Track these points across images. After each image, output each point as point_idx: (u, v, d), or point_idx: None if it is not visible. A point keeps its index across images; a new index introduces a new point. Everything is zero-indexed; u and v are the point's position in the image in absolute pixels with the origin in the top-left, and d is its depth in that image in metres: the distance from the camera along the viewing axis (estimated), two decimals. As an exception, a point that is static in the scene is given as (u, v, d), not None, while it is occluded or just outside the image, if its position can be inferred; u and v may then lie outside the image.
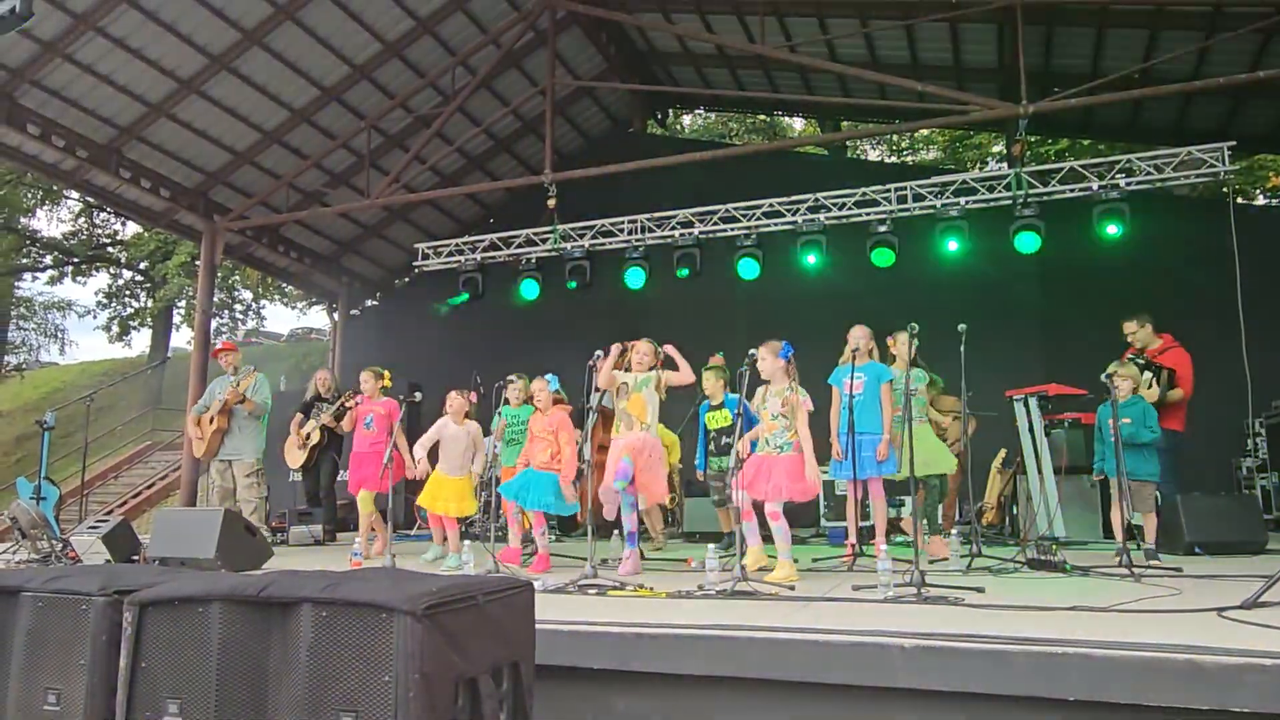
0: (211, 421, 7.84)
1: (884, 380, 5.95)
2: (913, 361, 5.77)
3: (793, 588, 4.51)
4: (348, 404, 8.41)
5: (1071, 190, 9.03)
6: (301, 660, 2.13)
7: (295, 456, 8.73)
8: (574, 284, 10.66)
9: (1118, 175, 8.87)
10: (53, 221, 26.45)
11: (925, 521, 6.17)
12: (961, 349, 5.96)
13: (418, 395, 7.20)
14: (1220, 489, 8.58)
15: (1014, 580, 4.92)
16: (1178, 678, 2.64)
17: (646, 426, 5.70)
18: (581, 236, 10.75)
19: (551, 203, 10.32)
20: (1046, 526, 6.81)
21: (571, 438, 6.02)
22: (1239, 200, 14.52)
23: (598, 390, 5.74)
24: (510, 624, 2.49)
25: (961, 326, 5.91)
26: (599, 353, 5.93)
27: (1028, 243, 8.88)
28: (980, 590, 4.13)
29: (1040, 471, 7.17)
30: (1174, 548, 5.93)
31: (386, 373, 7.47)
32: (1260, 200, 17.43)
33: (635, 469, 5.50)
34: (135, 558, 6.29)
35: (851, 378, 5.83)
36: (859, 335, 6.00)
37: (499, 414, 6.80)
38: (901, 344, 6.17)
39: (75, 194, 21.41)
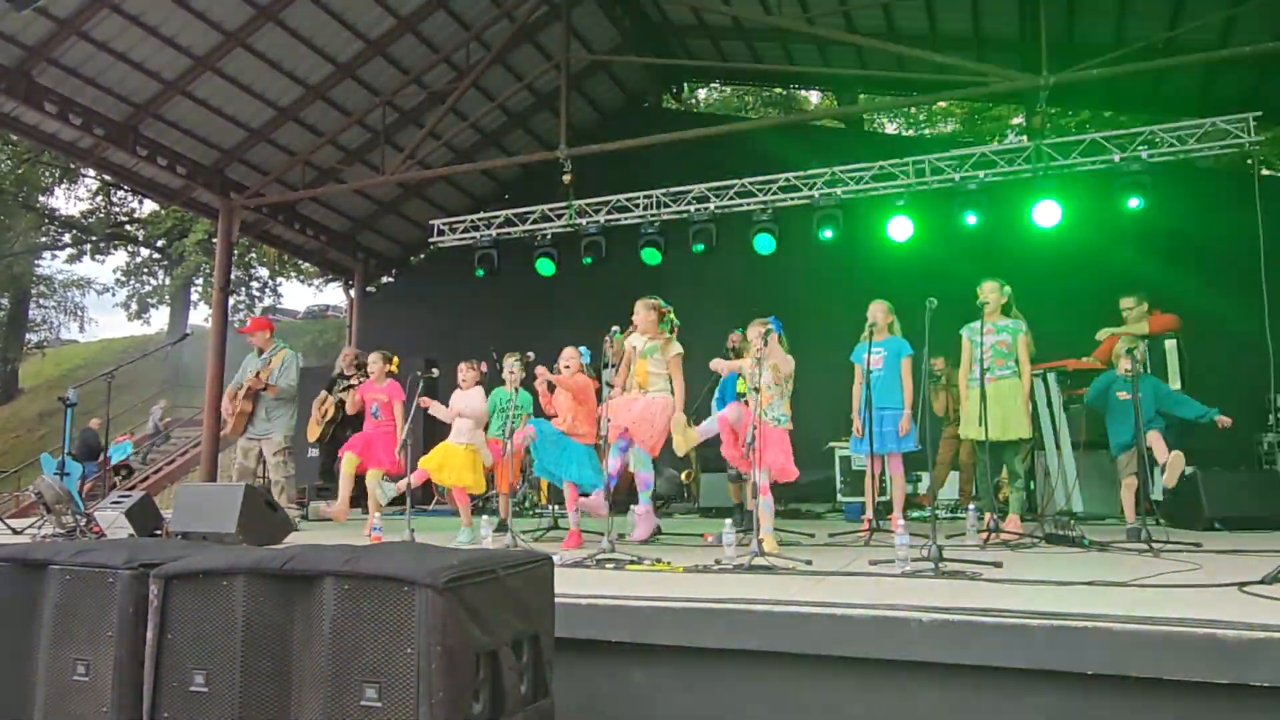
0: (238, 403, 7.75)
1: (904, 355, 5.91)
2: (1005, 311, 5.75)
3: (810, 562, 4.52)
4: (353, 381, 8.38)
5: (1093, 163, 8.91)
6: (324, 633, 2.15)
7: (313, 431, 8.79)
8: (589, 260, 10.65)
9: (1140, 147, 8.74)
10: (71, 199, 26.73)
11: (1003, 496, 5.96)
12: (976, 329, 5.92)
13: (435, 371, 7.21)
14: (1241, 464, 8.52)
15: (1032, 555, 4.91)
16: (1197, 652, 2.63)
17: (645, 391, 5.77)
18: (597, 212, 10.71)
19: (567, 178, 10.28)
20: (1065, 502, 6.78)
21: (592, 409, 6.01)
22: (1264, 171, 14.29)
23: (611, 366, 5.75)
24: (530, 597, 2.51)
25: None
26: (615, 328, 5.93)
27: (1048, 216, 8.80)
28: (998, 565, 4.12)
29: (1059, 447, 7.14)
30: (1194, 523, 5.90)
31: (395, 358, 7.40)
32: (1285, 172, 17.16)
33: (627, 430, 5.59)
34: (158, 532, 6.37)
35: (870, 353, 5.81)
36: (876, 310, 5.96)
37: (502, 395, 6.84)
38: (989, 292, 5.98)
39: (93, 172, 21.51)
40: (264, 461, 7.73)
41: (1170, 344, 6.79)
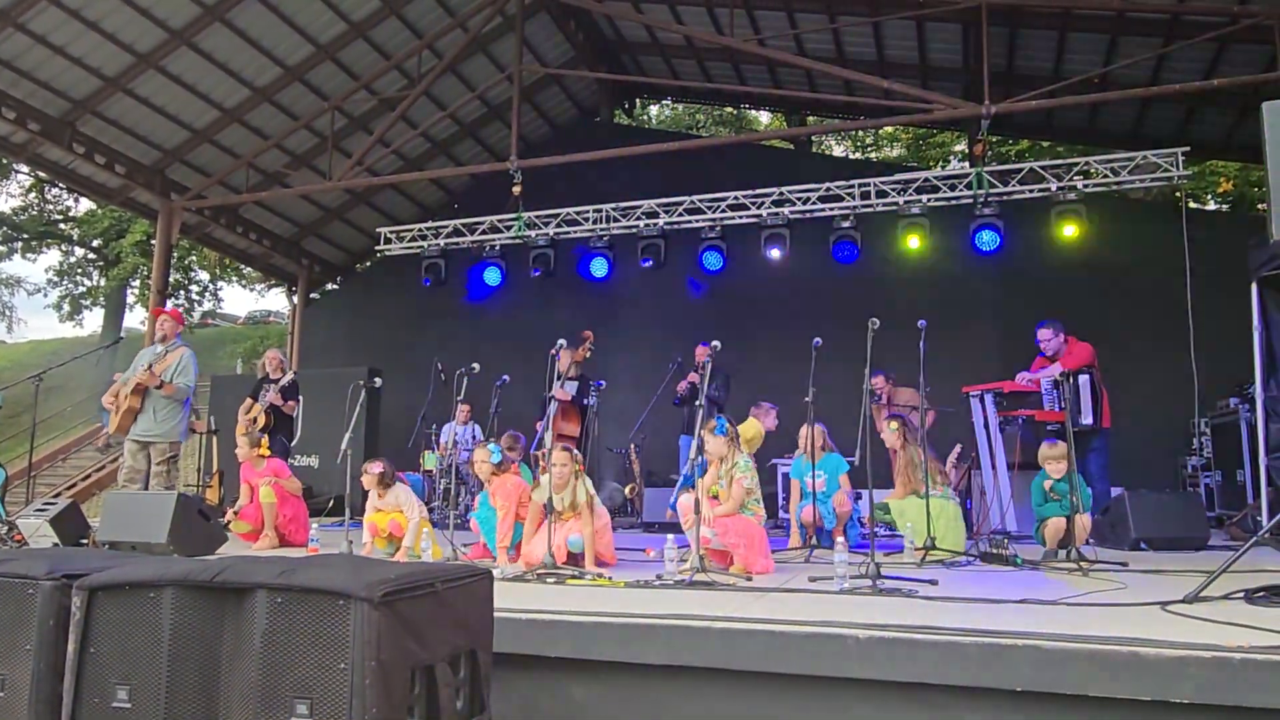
0: (124, 398, 7.18)
1: (841, 471, 6.23)
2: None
3: (750, 578, 4.55)
4: (284, 384, 8.20)
5: (1031, 191, 9.18)
6: (255, 647, 2.11)
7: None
8: (537, 272, 10.63)
9: (1076, 177, 9.03)
10: (2, 195, 25.73)
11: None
12: (921, 344, 6.01)
13: (377, 381, 7.12)
14: (1165, 486, 8.79)
15: (966, 573, 5.00)
16: (1122, 669, 2.71)
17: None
18: (546, 225, 10.69)
19: (516, 190, 10.26)
20: (999, 521, 6.93)
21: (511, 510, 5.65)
22: (1191, 204, 14.84)
23: (559, 378, 5.72)
24: (469, 612, 2.49)
25: (921, 323, 5.92)
26: (561, 341, 5.93)
27: (987, 241, 9.04)
28: (933, 583, 4.20)
29: (994, 467, 7.29)
30: (1120, 543, 6.07)
31: (264, 439, 7.14)
32: (1211, 205, 17.88)
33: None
34: (84, 541, 6.17)
35: (814, 476, 5.98)
36: (815, 434, 6.02)
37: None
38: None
39: (26, 168, 20.83)
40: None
41: (1084, 379, 6.98)
